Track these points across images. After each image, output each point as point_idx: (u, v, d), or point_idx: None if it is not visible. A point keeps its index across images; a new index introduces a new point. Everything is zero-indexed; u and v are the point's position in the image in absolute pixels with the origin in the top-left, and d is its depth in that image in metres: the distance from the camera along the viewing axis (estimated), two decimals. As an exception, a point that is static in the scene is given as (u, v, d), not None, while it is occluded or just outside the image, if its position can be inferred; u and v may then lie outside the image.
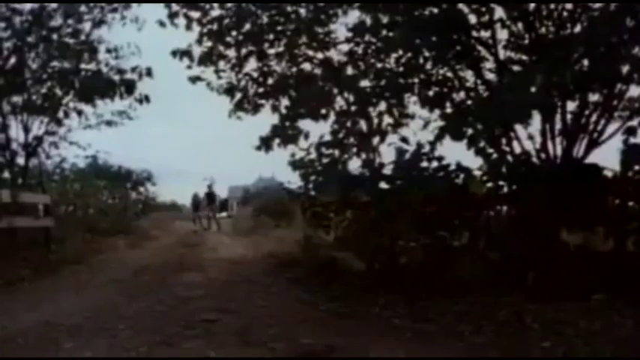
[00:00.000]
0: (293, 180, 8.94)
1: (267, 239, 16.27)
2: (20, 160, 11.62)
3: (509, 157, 7.12)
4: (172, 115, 58.77)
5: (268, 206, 22.28)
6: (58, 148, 11.70)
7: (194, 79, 11.69)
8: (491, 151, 6.76)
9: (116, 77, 10.62)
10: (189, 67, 11.46)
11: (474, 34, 8.30)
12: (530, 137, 8.01)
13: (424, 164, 6.57)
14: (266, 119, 11.64)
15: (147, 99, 10.85)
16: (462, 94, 7.87)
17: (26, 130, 11.61)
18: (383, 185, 7.25)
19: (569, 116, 7.89)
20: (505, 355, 4.48)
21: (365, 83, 9.83)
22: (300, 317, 5.88)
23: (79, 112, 10.76)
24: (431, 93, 7.99)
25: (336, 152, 9.06)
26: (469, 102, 7.51)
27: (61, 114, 11.01)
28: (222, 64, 11.34)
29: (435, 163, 6.56)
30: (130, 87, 10.43)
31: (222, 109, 11.75)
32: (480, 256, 6.39)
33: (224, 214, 49.27)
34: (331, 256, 8.52)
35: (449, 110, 7.80)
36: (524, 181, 6.83)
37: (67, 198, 14.73)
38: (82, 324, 5.38)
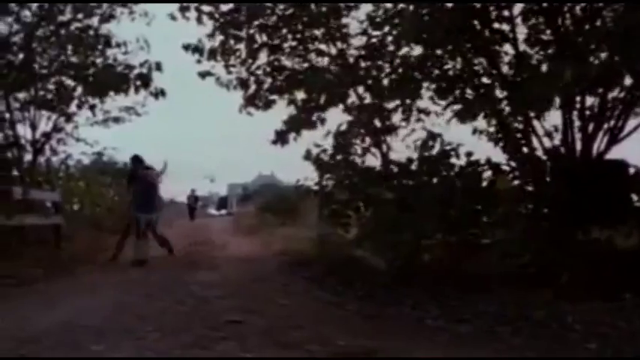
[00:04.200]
0: (292, 177, 8.78)
1: (273, 237, 16.10)
2: (27, 157, 11.44)
3: (532, 154, 6.98)
4: (170, 112, 58.58)
5: (272, 204, 22.09)
6: (66, 145, 11.49)
7: (204, 75, 11.53)
8: (516, 147, 6.61)
9: (125, 72, 10.41)
10: (198, 61, 11.32)
11: (494, 26, 8.18)
12: (549, 134, 7.92)
13: (452, 160, 6.42)
14: (269, 117, 11.57)
15: (162, 93, 10.64)
16: (477, 82, 7.64)
17: (33, 126, 11.43)
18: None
19: (588, 112, 7.82)
20: (548, 357, 4.34)
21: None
22: (327, 318, 5.74)
23: (92, 107, 10.52)
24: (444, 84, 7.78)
25: (357, 147, 8.92)
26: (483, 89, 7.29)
27: (73, 108, 10.78)
28: (233, 58, 11.23)
29: (463, 159, 6.41)
30: (145, 80, 10.22)
31: (223, 106, 11.67)
32: (507, 254, 6.22)
33: (223, 211, 49.31)
34: (350, 254, 8.37)
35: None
36: (549, 178, 6.68)
37: (74, 195, 14.53)
38: (103, 325, 5.22)
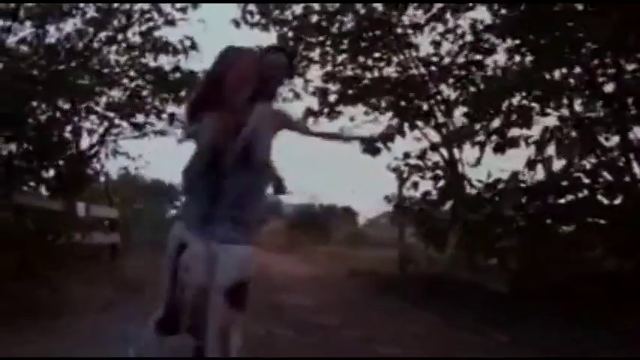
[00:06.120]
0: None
1: (316, 256, 15.51)
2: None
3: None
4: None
5: (301, 222, 21.20)
6: (115, 158, 10.66)
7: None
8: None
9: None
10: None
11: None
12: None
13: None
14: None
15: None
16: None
17: (77, 139, 10.66)
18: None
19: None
20: None
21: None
22: (480, 347, 5.12)
23: (172, 115, 9.70)
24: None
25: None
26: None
27: (151, 117, 9.93)
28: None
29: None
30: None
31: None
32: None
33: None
34: (448, 275, 7.77)
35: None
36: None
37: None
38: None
